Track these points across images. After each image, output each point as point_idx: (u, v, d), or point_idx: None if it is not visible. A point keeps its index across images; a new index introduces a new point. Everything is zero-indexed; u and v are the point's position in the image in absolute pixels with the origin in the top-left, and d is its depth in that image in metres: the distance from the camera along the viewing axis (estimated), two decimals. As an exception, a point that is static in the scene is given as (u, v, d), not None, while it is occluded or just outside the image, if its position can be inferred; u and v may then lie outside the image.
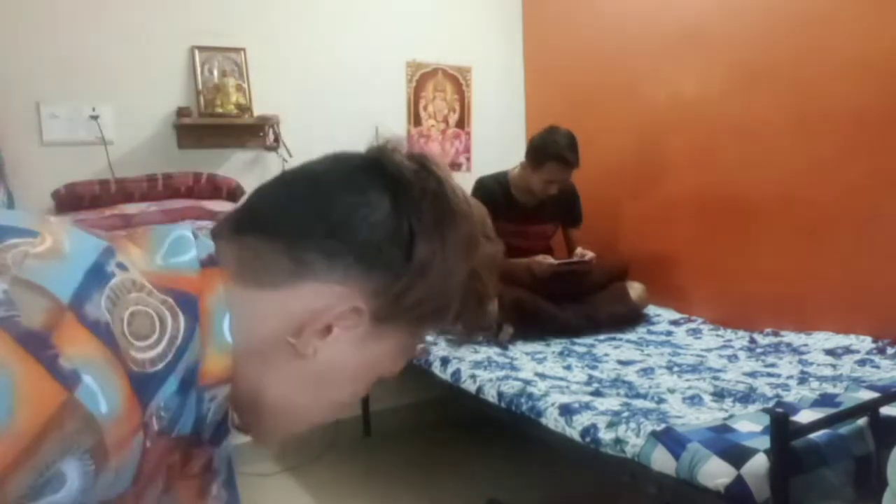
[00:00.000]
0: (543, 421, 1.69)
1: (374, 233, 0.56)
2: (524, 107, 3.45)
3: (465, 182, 2.87)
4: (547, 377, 1.97)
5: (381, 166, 0.63)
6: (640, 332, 2.52)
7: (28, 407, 0.41)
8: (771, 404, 1.60)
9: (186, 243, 0.54)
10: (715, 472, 1.26)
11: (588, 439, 1.55)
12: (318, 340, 0.56)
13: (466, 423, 2.97)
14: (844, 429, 1.36)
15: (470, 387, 2.01)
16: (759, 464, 1.23)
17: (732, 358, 2.11)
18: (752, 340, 2.26)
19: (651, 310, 2.69)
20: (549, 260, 2.55)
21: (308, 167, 0.67)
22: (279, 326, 0.55)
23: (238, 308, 0.53)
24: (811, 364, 1.95)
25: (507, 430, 1.94)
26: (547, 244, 2.82)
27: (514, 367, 2.08)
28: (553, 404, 1.69)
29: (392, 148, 0.65)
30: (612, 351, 2.27)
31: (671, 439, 1.37)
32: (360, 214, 0.57)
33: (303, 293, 0.55)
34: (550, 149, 2.50)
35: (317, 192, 0.61)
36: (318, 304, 0.55)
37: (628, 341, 2.39)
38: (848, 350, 2.01)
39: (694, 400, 1.72)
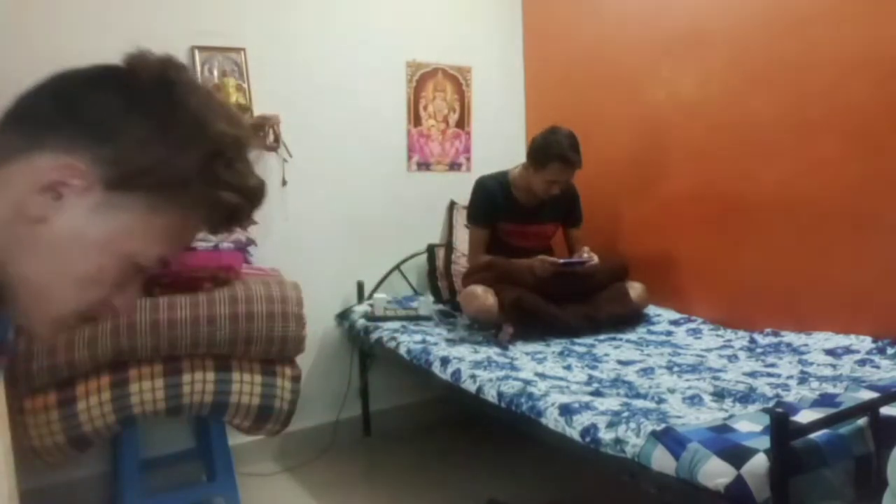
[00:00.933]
0: (543, 421, 1.69)
1: (97, 108, 0.63)
2: (524, 107, 3.45)
3: (465, 182, 2.88)
4: (547, 377, 1.97)
5: (118, 65, 0.66)
6: (640, 332, 2.52)
7: None
8: (771, 404, 1.60)
9: None
10: (715, 472, 1.26)
11: (588, 439, 1.55)
12: (50, 206, 0.59)
13: (466, 423, 2.97)
14: (844, 429, 1.36)
15: (470, 387, 2.01)
16: (759, 464, 1.23)
17: (732, 358, 2.11)
18: (752, 340, 2.26)
19: (651, 310, 2.69)
20: (551, 259, 2.54)
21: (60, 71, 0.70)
22: (13, 197, 0.59)
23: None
24: (811, 364, 1.95)
25: (507, 430, 1.94)
26: (547, 244, 2.82)
27: (514, 367, 2.08)
28: (553, 404, 1.69)
29: (140, 51, 0.66)
30: (612, 351, 2.27)
31: (671, 439, 1.37)
32: (85, 94, 0.65)
33: (31, 163, 0.59)
34: (553, 149, 2.50)
35: (53, 81, 0.68)
36: (43, 171, 0.59)
37: (628, 341, 2.39)
38: (848, 350, 2.01)
39: (694, 400, 1.72)
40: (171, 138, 0.61)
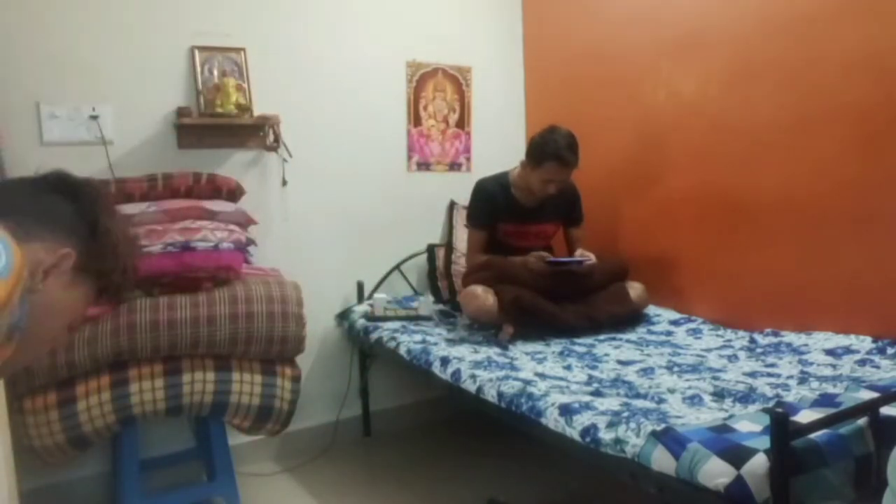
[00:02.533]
0: (543, 421, 1.69)
1: (66, 215, 0.90)
2: (524, 107, 3.45)
3: (465, 182, 2.88)
4: (547, 377, 1.97)
5: (61, 180, 0.95)
6: (640, 332, 2.52)
7: None
8: (771, 404, 1.60)
9: None
10: (715, 472, 1.26)
11: (588, 439, 1.55)
12: (41, 280, 0.84)
13: (466, 423, 2.97)
14: (844, 429, 1.36)
15: (470, 387, 2.01)
16: (759, 464, 1.23)
17: (732, 358, 2.11)
18: (752, 340, 2.26)
19: (651, 310, 2.69)
20: (545, 255, 2.54)
21: (23, 180, 0.97)
22: (30, 266, 0.81)
23: None
24: (811, 364, 1.95)
25: (507, 430, 1.94)
26: (547, 244, 2.82)
27: (514, 367, 2.08)
28: (553, 404, 1.69)
29: (63, 171, 0.97)
30: (612, 351, 2.27)
31: (671, 439, 1.37)
32: (55, 205, 0.91)
33: (39, 245, 0.84)
34: (550, 148, 2.50)
35: (23, 191, 0.92)
36: (44, 251, 0.85)
37: (628, 341, 2.39)
38: (848, 350, 2.01)
39: (694, 400, 1.72)
40: (114, 237, 0.95)
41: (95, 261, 0.92)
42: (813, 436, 1.30)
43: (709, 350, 2.22)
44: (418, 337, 2.49)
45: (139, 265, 1.04)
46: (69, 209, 0.92)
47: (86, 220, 0.92)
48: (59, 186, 0.94)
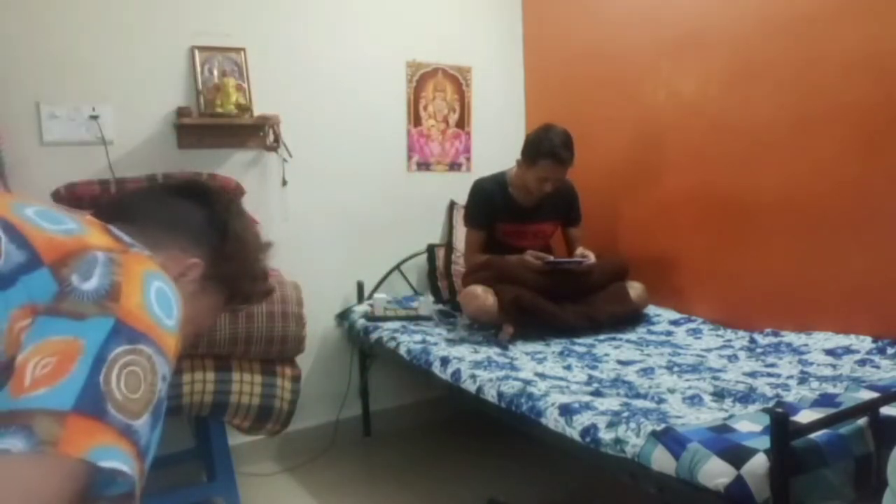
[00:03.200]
0: (543, 421, 1.69)
1: (197, 223, 0.91)
2: (524, 107, 3.45)
3: (465, 182, 2.88)
4: (547, 377, 1.97)
5: (194, 185, 0.98)
6: (640, 332, 2.52)
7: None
8: (771, 404, 1.60)
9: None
10: (715, 472, 1.26)
11: (588, 439, 1.55)
12: (176, 282, 0.78)
13: (466, 423, 2.97)
14: (844, 429, 1.36)
15: (470, 387, 2.01)
16: (759, 464, 1.23)
17: (732, 358, 2.11)
18: (752, 340, 2.26)
19: (651, 310, 2.69)
20: (542, 254, 2.54)
21: (147, 188, 1.01)
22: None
23: None
24: (811, 364, 1.95)
25: (507, 430, 1.94)
26: (546, 243, 2.81)
27: (514, 367, 2.08)
28: (553, 404, 1.69)
29: (197, 177, 1.02)
30: (612, 351, 2.27)
31: (671, 439, 1.37)
32: (188, 212, 0.91)
33: (173, 253, 0.86)
34: (544, 146, 2.50)
35: (159, 197, 0.94)
36: (178, 259, 0.86)
37: (628, 341, 2.39)
38: (848, 350, 2.01)
39: (694, 400, 1.72)
40: (244, 247, 0.97)
41: (225, 268, 0.91)
42: (813, 436, 1.30)
43: (709, 350, 2.21)
44: (418, 337, 2.49)
45: (269, 273, 1.02)
46: (200, 215, 0.91)
47: (216, 226, 0.91)
48: (192, 192, 0.94)
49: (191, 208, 0.91)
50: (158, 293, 0.70)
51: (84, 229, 0.72)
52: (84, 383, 0.59)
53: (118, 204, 0.91)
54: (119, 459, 0.60)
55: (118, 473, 0.59)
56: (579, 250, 2.65)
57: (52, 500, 0.55)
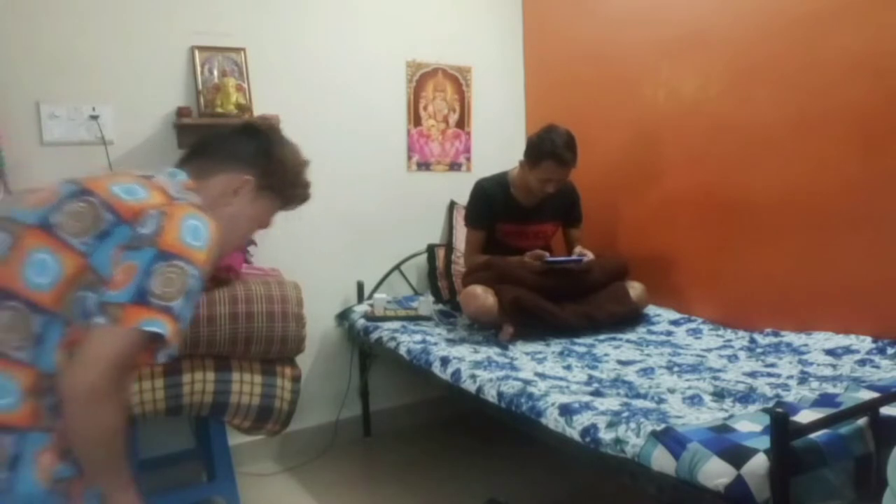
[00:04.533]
0: (543, 421, 1.69)
1: (249, 151, 1.30)
2: (524, 107, 3.45)
3: (465, 182, 2.88)
4: (547, 377, 1.97)
5: (247, 125, 1.39)
6: (640, 332, 2.52)
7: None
8: (771, 404, 1.60)
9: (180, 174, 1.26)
10: (715, 472, 1.26)
11: (588, 439, 1.55)
12: (233, 197, 1.29)
13: (466, 423, 2.97)
14: (844, 429, 1.36)
15: (470, 387, 2.01)
16: (759, 464, 1.23)
17: (732, 358, 2.11)
18: (752, 340, 2.26)
19: (651, 310, 2.69)
20: (541, 253, 2.54)
21: (216, 130, 1.38)
22: (218, 192, 1.27)
23: (201, 190, 1.24)
24: (811, 364, 1.95)
25: (507, 430, 1.94)
26: (547, 243, 2.81)
27: (514, 367, 2.08)
28: (553, 404, 1.69)
29: (251, 119, 1.62)
30: (612, 351, 2.27)
31: (671, 439, 1.37)
32: (242, 145, 1.32)
33: (226, 176, 1.28)
34: (547, 147, 2.50)
35: (222, 137, 1.34)
36: (231, 179, 1.28)
37: (628, 341, 2.39)
38: (848, 350, 2.01)
39: (694, 400, 1.72)
40: (284, 163, 1.35)
41: (272, 180, 1.32)
42: (813, 436, 1.30)
43: (709, 350, 2.22)
44: (418, 337, 2.49)
45: (309, 181, 1.46)
46: (251, 145, 1.31)
47: (263, 151, 1.31)
48: (245, 129, 1.35)
49: (245, 140, 1.32)
50: (190, 227, 1.10)
51: (148, 195, 1.12)
52: (136, 286, 1.03)
53: (198, 144, 1.33)
54: (157, 326, 1.03)
55: (156, 334, 1.03)
56: (578, 249, 2.65)
57: (123, 350, 1.01)
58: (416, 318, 2.77)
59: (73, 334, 1.02)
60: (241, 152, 1.30)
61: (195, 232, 1.09)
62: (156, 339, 1.03)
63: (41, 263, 1.02)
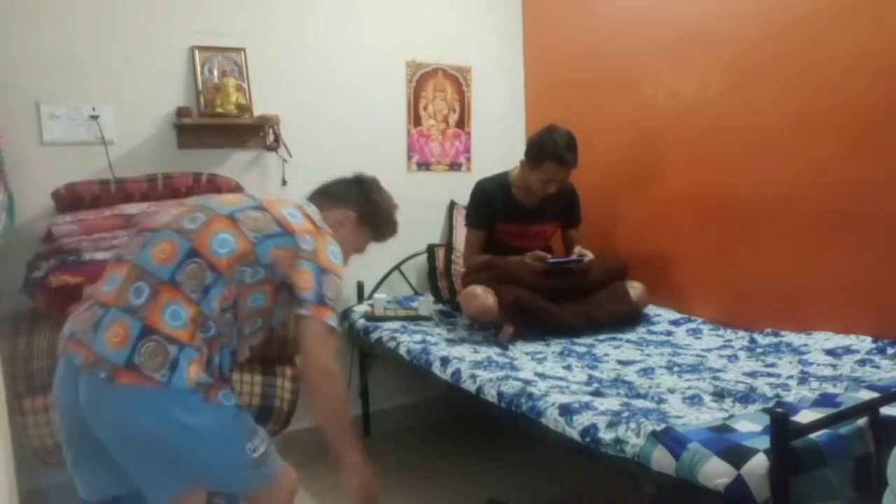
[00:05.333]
0: (543, 421, 1.69)
1: (355, 194, 1.79)
2: (524, 107, 3.45)
3: (465, 182, 2.88)
4: (547, 377, 1.97)
5: (355, 177, 1.85)
6: (640, 332, 2.52)
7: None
8: (771, 404, 1.60)
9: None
10: (715, 472, 1.26)
11: (588, 439, 1.55)
12: (339, 227, 1.69)
13: (466, 423, 2.97)
14: (844, 429, 1.36)
15: (470, 387, 2.01)
16: (759, 464, 1.23)
17: (732, 358, 2.11)
18: (752, 340, 2.26)
19: (651, 310, 2.69)
20: (542, 254, 2.54)
21: (336, 178, 1.84)
22: (330, 222, 1.64)
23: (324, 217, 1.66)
24: (811, 364, 1.95)
25: (507, 430, 1.94)
26: (547, 244, 2.81)
27: (514, 367, 2.08)
28: (553, 404, 1.69)
29: (359, 173, 1.87)
30: (612, 351, 2.27)
31: (671, 439, 1.37)
32: (350, 189, 1.80)
33: (337, 211, 1.72)
34: (548, 148, 2.50)
35: (337, 182, 1.82)
36: (339, 214, 1.72)
37: (628, 341, 2.39)
38: (848, 350, 2.01)
39: (694, 400, 1.72)
40: (379, 207, 1.83)
41: (370, 217, 1.79)
42: (813, 436, 1.30)
43: (709, 350, 2.21)
44: (418, 337, 2.49)
45: (397, 223, 1.91)
46: (357, 190, 1.79)
47: (364, 195, 1.78)
48: (354, 179, 1.82)
49: (353, 186, 1.79)
50: (333, 251, 1.52)
51: (303, 221, 1.52)
52: (318, 290, 1.45)
53: (321, 186, 1.79)
54: (332, 321, 1.47)
55: (332, 326, 1.47)
56: (577, 249, 2.65)
57: (327, 336, 1.46)
58: (416, 318, 2.77)
59: (227, 292, 1.41)
60: (348, 194, 1.76)
61: (335, 254, 1.52)
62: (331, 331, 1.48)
63: (224, 240, 1.41)
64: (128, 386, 1.27)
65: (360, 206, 1.75)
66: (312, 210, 1.62)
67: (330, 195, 1.74)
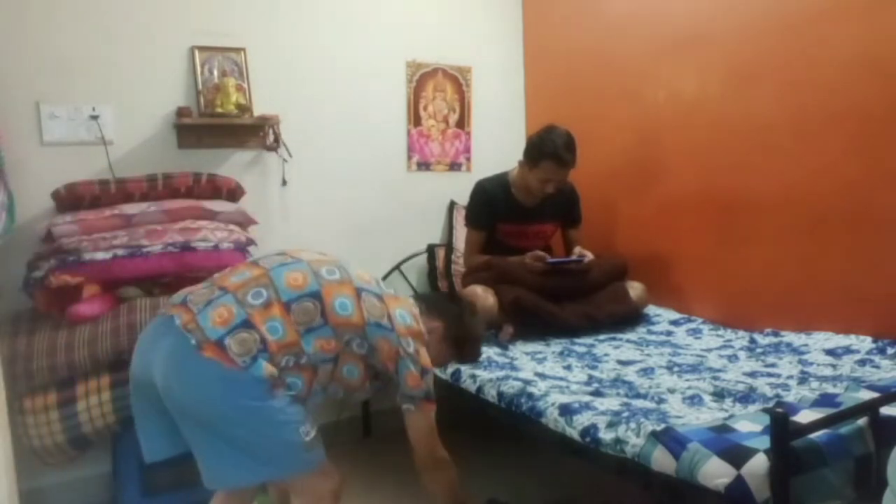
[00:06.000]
0: (543, 421, 1.69)
1: (451, 311, 1.86)
2: (524, 107, 3.45)
3: (465, 182, 2.88)
4: (547, 377, 1.97)
5: (451, 298, 2.14)
6: (640, 332, 2.52)
7: None
8: (771, 404, 1.60)
9: None
10: (715, 472, 1.26)
11: (588, 439, 1.55)
12: (429, 334, 1.73)
13: (466, 423, 2.97)
14: (844, 429, 1.36)
15: (470, 387, 2.01)
16: (759, 464, 1.23)
17: (732, 358, 2.11)
18: (752, 340, 2.26)
19: (651, 310, 2.69)
20: (542, 254, 2.54)
21: (437, 293, 2.75)
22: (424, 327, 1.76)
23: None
24: (811, 364, 1.95)
25: (507, 430, 1.94)
26: (547, 243, 2.82)
27: (514, 367, 2.08)
28: (553, 404, 1.69)
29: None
30: (612, 351, 2.27)
31: (671, 439, 1.38)
32: (448, 305, 1.91)
33: (429, 319, 1.78)
34: (547, 148, 2.50)
35: (440, 296, 2.54)
36: (430, 322, 1.78)
37: (628, 341, 2.39)
38: (848, 350, 2.01)
39: (694, 400, 1.72)
40: (466, 326, 1.88)
41: (455, 334, 1.82)
42: (813, 436, 1.30)
43: (709, 350, 2.22)
44: (418, 337, 2.49)
45: (480, 348, 1.99)
46: (455, 308, 1.87)
47: (458, 315, 1.84)
48: (453, 298, 2.02)
49: (452, 304, 1.90)
50: (422, 354, 1.66)
51: (411, 323, 1.67)
52: (426, 388, 1.65)
53: (425, 296, 2.08)
54: (433, 412, 1.68)
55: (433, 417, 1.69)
56: (577, 249, 2.65)
57: (433, 428, 1.72)
58: (416, 318, 2.76)
59: (330, 344, 1.56)
60: (445, 309, 1.85)
61: (424, 356, 1.67)
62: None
63: (344, 304, 1.58)
64: (210, 360, 1.42)
65: (451, 322, 1.81)
66: (417, 312, 1.72)
67: (429, 303, 1.83)
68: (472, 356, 1.95)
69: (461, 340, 1.83)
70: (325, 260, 1.65)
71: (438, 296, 1.94)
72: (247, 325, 1.47)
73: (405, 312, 1.65)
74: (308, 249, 1.71)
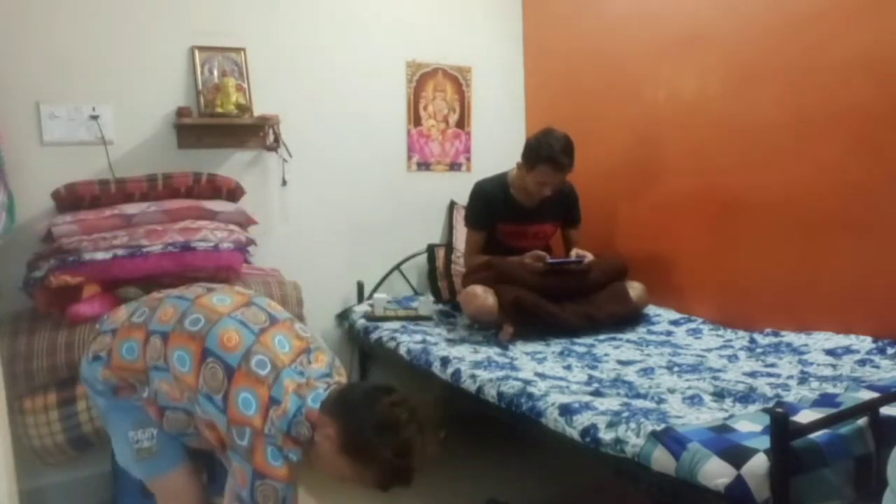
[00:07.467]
0: (543, 421, 1.69)
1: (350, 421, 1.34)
2: (524, 107, 3.45)
3: (465, 182, 2.88)
4: (547, 377, 1.97)
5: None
6: (640, 332, 2.52)
7: None
8: (771, 404, 1.60)
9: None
10: (715, 472, 1.26)
11: (588, 439, 1.55)
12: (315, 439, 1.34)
13: (466, 423, 2.97)
14: (844, 429, 1.36)
15: (470, 387, 2.01)
16: (759, 464, 1.23)
17: (732, 358, 2.11)
18: (752, 340, 2.26)
19: (651, 310, 2.69)
20: (542, 254, 2.54)
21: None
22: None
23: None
24: (811, 364, 1.95)
25: (507, 430, 1.94)
26: (546, 244, 2.82)
27: (514, 367, 2.08)
28: (553, 404, 1.69)
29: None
30: (612, 351, 2.27)
31: (671, 439, 1.37)
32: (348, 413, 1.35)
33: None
34: (544, 151, 2.50)
35: (356, 408, 1.36)
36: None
37: (628, 341, 2.39)
38: (848, 350, 2.01)
39: (694, 400, 1.72)
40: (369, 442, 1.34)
41: (351, 446, 1.33)
42: (813, 436, 1.30)
43: (709, 350, 2.21)
44: (418, 337, 2.49)
45: (391, 480, 1.40)
46: (364, 409, 1.35)
47: (362, 417, 1.33)
48: (378, 395, 1.38)
49: (362, 406, 1.35)
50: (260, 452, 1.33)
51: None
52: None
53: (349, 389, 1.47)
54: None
55: None
56: (575, 251, 2.65)
57: None
58: (416, 318, 2.76)
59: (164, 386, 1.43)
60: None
61: (263, 463, 1.35)
62: None
63: (182, 358, 1.40)
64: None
65: (348, 426, 1.31)
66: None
67: (345, 393, 1.40)
68: (379, 484, 1.35)
69: (362, 458, 1.29)
70: (253, 312, 1.47)
71: (364, 385, 1.55)
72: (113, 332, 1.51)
73: (251, 396, 1.30)
74: (223, 287, 1.62)
